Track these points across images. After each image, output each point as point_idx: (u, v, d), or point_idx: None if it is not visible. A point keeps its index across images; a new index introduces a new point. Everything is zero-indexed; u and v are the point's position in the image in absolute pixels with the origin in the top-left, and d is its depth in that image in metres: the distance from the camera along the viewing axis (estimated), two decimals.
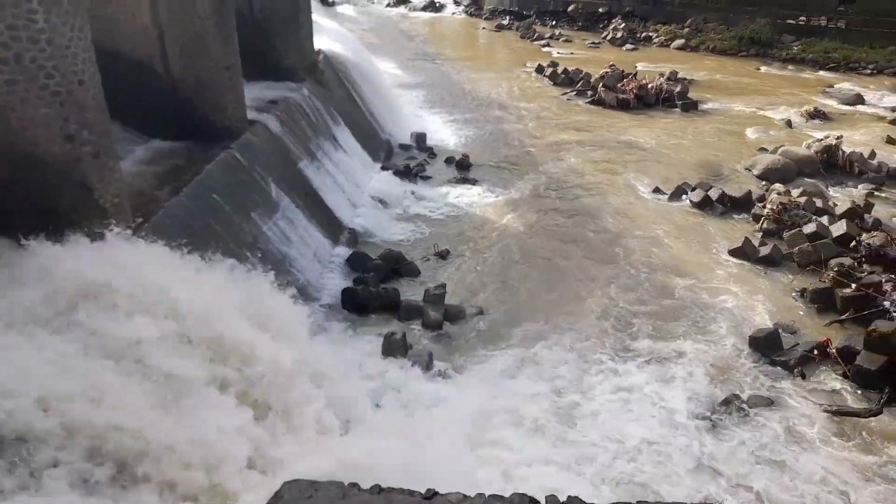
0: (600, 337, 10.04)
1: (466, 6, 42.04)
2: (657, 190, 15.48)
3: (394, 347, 9.19)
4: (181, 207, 8.51)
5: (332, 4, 41.72)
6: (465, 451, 7.45)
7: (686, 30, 33.05)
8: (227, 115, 11.01)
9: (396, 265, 11.68)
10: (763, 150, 17.99)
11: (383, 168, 16.07)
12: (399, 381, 8.64)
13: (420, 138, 18.21)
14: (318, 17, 19.80)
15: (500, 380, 8.91)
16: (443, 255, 12.32)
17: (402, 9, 42.79)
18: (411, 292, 10.96)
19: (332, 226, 12.38)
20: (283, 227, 10.57)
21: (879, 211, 14.40)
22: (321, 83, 15.64)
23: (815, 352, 9.66)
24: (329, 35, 19.40)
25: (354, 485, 3.83)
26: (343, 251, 11.95)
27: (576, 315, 10.59)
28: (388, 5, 43.38)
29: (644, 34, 33.75)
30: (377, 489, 3.85)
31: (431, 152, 17.61)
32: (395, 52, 29.28)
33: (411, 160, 16.85)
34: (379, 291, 10.65)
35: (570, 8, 37.14)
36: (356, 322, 10.06)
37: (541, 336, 9.99)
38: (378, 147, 17.02)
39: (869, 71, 28.06)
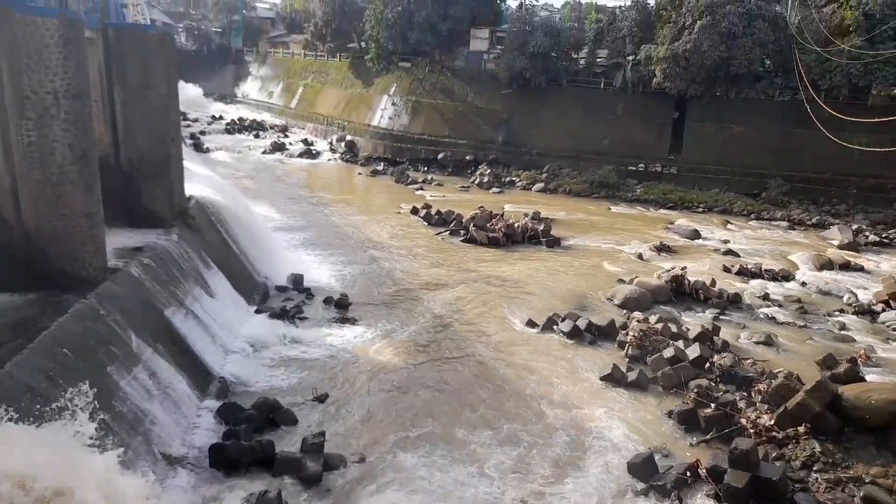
0: (481, 475, 9.86)
1: (342, 153, 43.79)
2: (530, 322, 16.12)
3: None
4: (23, 366, 7.69)
5: (207, 151, 41.97)
6: None
7: (545, 175, 36.39)
8: (84, 264, 10.42)
9: (271, 414, 11.04)
10: (621, 281, 19.52)
11: (258, 311, 15.62)
12: None
13: (297, 280, 18.05)
14: (191, 163, 19.81)
15: None
16: (321, 400, 11.85)
17: (278, 155, 43.69)
18: (288, 442, 10.32)
19: (200, 376, 11.62)
20: (144, 380, 9.78)
21: (725, 333, 15.86)
22: (192, 228, 15.34)
23: (688, 473, 10.06)
24: (202, 181, 19.34)
25: None
26: (212, 403, 11.16)
27: (457, 455, 10.43)
28: (265, 152, 44.19)
29: (508, 179, 36.70)
30: None
31: (309, 293, 17.43)
32: (272, 197, 29.56)
33: (288, 302, 16.55)
34: (252, 445, 9.91)
35: (440, 155, 39.86)
36: (225, 483, 9.21)
37: (422, 481, 9.65)
38: (253, 290, 16.63)
39: (701, 209, 32.04)
